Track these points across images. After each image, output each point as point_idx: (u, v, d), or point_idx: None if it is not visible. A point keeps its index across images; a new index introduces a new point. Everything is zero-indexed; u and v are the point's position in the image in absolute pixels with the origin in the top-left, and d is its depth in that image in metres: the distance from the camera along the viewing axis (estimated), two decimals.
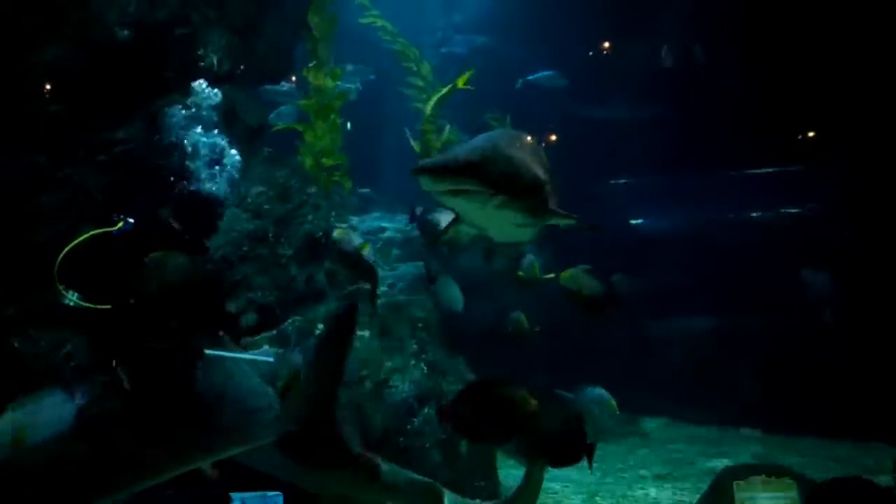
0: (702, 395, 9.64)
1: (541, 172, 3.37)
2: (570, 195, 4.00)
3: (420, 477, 5.11)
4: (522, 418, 3.61)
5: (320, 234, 7.16)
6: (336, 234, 5.91)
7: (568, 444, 3.94)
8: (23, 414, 4.15)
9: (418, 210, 6.53)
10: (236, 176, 5.63)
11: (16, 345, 5.37)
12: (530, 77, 11.37)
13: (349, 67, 10.49)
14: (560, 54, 12.00)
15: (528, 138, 3.71)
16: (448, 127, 8.99)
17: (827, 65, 10.04)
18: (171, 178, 5.57)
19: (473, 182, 3.02)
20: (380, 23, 9.97)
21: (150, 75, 6.53)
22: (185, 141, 5.47)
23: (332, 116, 8.42)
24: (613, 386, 6.53)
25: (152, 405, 4.43)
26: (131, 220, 4.30)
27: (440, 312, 7.50)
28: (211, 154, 5.44)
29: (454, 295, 7.06)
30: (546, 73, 11.32)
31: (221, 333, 4.74)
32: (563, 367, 8.11)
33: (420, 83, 10.21)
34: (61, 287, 4.04)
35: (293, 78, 9.59)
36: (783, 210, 11.35)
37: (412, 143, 8.75)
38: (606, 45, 12.38)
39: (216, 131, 5.63)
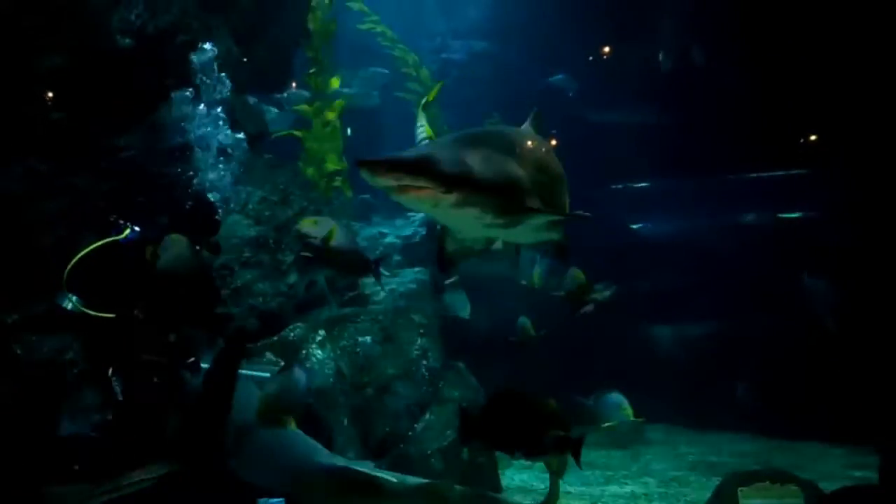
0: (704, 400, 9.63)
1: (515, 169, 3.17)
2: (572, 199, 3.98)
3: (426, 480, 5.12)
4: (551, 427, 3.59)
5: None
6: (302, 225, 5.20)
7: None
8: None
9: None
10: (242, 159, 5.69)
11: (18, 351, 5.39)
12: (549, 79, 11.44)
13: (369, 70, 10.55)
14: (558, 59, 12.03)
15: (517, 135, 3.55)
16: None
17: (829, 68, 10.05)
18: (174, 182, 5.61)
19: (420, 178, 2.85)
20: (379, 28, 10.02)
21: (151, 82, 6.54)
22: (191, 128, 5.51)
23: (333, 122, 8.43)
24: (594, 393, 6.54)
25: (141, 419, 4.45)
26: (137, 228, 4.29)
27: (442, 318, 7.51)
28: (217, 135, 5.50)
29: (461, 301, 7.05)
30: (559, 76, 11.42)
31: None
32: (565, 372, 8.10)
33: (419, 88, 10.25)
34: (69, 295, 4.02)
35: (293, 84, 9.62)
36: (785, 214, 11.36)
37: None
38: (606, 49, 12.40)
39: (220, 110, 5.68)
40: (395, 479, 4.84)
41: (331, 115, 8.30)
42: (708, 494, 5.06)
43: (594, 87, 11.91)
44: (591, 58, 12.55)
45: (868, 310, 9.07)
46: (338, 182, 8.48)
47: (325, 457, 5.13)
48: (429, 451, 6.05)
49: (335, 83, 8.69)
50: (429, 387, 6.53)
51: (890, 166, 9.55)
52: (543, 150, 3.62)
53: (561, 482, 5.91)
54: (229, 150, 5.78)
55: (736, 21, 10.72)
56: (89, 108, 6.13)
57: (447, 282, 7.29)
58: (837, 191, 10.38)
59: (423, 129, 5.37)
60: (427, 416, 6.32)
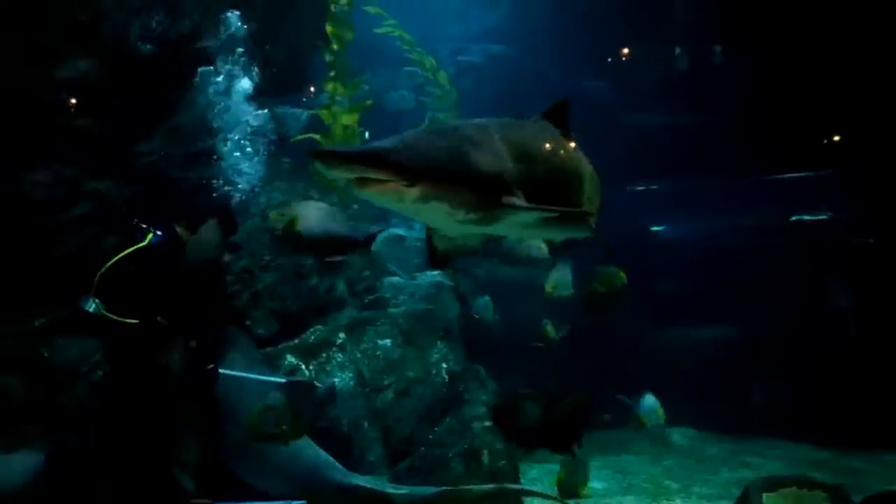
0: (726, 404, 9.53)
1: (490, 161, 2.96)
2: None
3: (439, 489, 5.11)
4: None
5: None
6: (271, 218, 5.01)
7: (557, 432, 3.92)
8: None
9: None
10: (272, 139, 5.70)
11: (45, 353, 5.47)
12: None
13: (404, 69, 10.56)
14: (576, 62, 11.99)
15: (509, 127, 3.31)
16: None
17: (851, 68, 9.93)
18: (195, 185, 5.64)
19: (379, 170, 2.70)
20: (397, 32, 10.03)
21: (172, 88, 6.61)
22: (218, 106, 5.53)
23: (351, 126, 8.45)
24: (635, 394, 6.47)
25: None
26: (160, 233, 4.31)
27: (462, 321, 7.48)
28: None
29: (485, 303, 7.01)
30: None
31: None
32: (585, 375, 8.04)
33: (437, 91, 10.26)
34: (95, 300, 4.04)
35: (311, 88, 9.66)
36: (809, 215, 11.22)
37: None
38: (625, 50, 12.33)
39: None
40: (406, 491, 4.85)
41: (350, 120, 8.33)
42: (730, 500, 5.00)
43: (612, 88, 11.85)
44: (609, 59, 12.49)
45: (891, 312, 8.95)
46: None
47: (335, 471, 5.15)
48: (449, 455, 6.03)
49: (352, 88, 8.71)
50: (449, 390, 6.52)
51: None
52: (544, 141, 3.40)
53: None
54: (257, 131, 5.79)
55: (757, 20, 10.62)
56: (112, 113, 6.20)
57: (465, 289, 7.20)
58: (860, 192, 10.24)
59: None
60: (447, 419, 6.31)
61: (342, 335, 6.26)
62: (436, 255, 3.66)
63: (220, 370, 4.84)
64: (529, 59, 12.74)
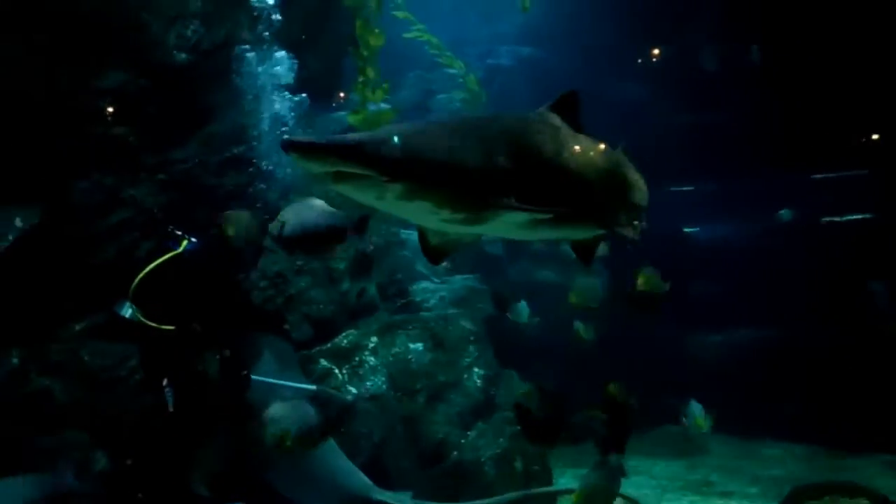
0: (763, 408, 9.34)
1: (479, 157, 2.78)
2: None
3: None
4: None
5: (371, 248, 7.22)
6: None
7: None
8: None
9: None
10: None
11: (85, 358, 5.59)
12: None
13: (452, 70, 10.60)
14: (606, 62, 11.89)
15: (507, 121, 3.15)
16: None
17: (890, 66, 9.69)
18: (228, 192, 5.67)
19: (355, 164, 2.52)
20: (425, 37, 10.07)
21: (205, 96, 6.72)
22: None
23: None
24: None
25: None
26: (194, 240, 4.34)
27: (492, 325, 7.47)
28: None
29: (521, 308, 6.94)
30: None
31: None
32: (617, 378, 7.95)
33: (466, 95, 10.28)
34: (132, 306, 4.10)
35: (341, 94, 9.74)
36: (845, 216, 10.96)
37: None
38: (656, 51, 12.21)
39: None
40: None
41: (381, 124, 8.36)
42: None
43: (643, 87, 11.73)
44: (639, 60, 12.37)
45: None
46: None
47: (362, 485, 5.14)
48: (482, 459, 6.01)
49: (382, 94, 8.76)
50: (481, 394, 6.50)
51: None
52: (545, 136, 3.17)
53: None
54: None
55: (796, 17, 10.42)
56: (148, 121, 6.32)
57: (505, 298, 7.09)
58: None
59: None
60: (479, 423, 6.29)
61: (374, 339, 6.29)
62: (429, 250, 3.42)
63: (253, 377, 4.87)
64: (558, 60, 12.68)
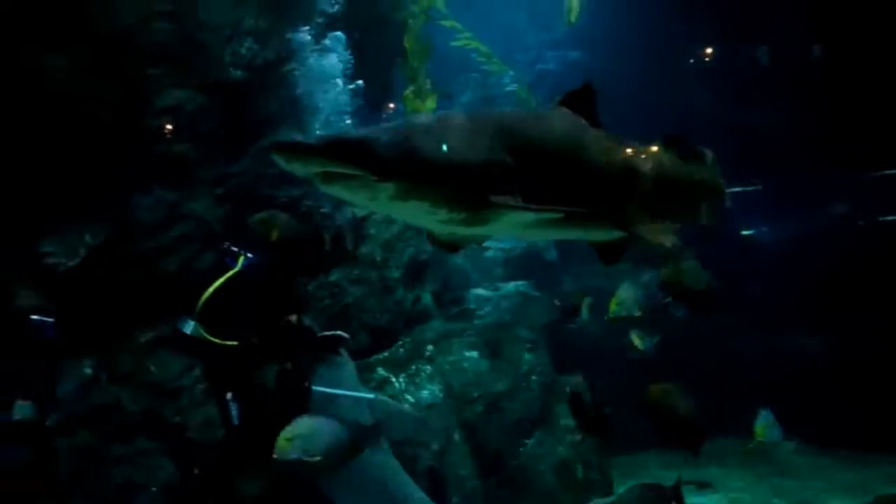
0: (832, 416, 8.95)
1: (479, 156, 2.63)
2: None
3: None
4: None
5: (424, 256, 7.25)
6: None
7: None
8: None
9: None
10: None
11: (151, 368, 5.75)
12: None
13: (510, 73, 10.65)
14: (657, 65, 11.71)
15: (511, 117, 3.01)
16: None
17: None
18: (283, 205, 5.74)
19: (342, 164, 2.40)
20: (473, 45, 10.09)
21: (259, 110, 6.87)
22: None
23: None
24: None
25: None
26: (250, 255, 4.37)
27: (548, 332, 7.38)
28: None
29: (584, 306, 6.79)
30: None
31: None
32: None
33: (515, 101, 10.25)
34: (197, 323, 4.14)
35: (391, 105, 9.83)
36: None
37: None
38: (709, 50, 11.94)
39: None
40: None
41: None
42: None
43: (697, 88, 11.48)
44: (691, 60, 12.12)
45: None
46: None
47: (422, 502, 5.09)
48: (542, 468, 5.94)
49: (433, 103, 8.80)
50: (538, 402, 6.43)
51: None
52: (555, 132, 3.00)
53: None
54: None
55: (858, 13, 10.05)
56: (206, 137, 6.49)
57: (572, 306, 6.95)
58: None
59: None
60: (538, 432, 6.22)
61: (430, 347, 6.30)
62: (439, 244, 3.27)
63: (313, 387, 4.90)
64: (608, 64, 12.52)
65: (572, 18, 8.86)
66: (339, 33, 6.49)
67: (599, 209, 2.97)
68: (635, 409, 4.22)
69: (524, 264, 8.63)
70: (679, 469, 5.95)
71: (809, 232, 11.00)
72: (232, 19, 6.65)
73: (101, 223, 5.94)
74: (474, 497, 5.61)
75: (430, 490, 5.22)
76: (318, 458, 3.88)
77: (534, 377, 6.55)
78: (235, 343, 4.09)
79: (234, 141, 6.75)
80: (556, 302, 5.73)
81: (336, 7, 7.35)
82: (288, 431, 3.93)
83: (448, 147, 2.58)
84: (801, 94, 10.75)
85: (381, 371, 5.98)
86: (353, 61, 6.80)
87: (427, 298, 7.10)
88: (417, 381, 6.02)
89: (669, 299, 5.32)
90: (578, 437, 6.11)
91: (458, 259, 8.09)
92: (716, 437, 8.34)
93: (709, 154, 3.77)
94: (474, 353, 6.41)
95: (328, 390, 5.08)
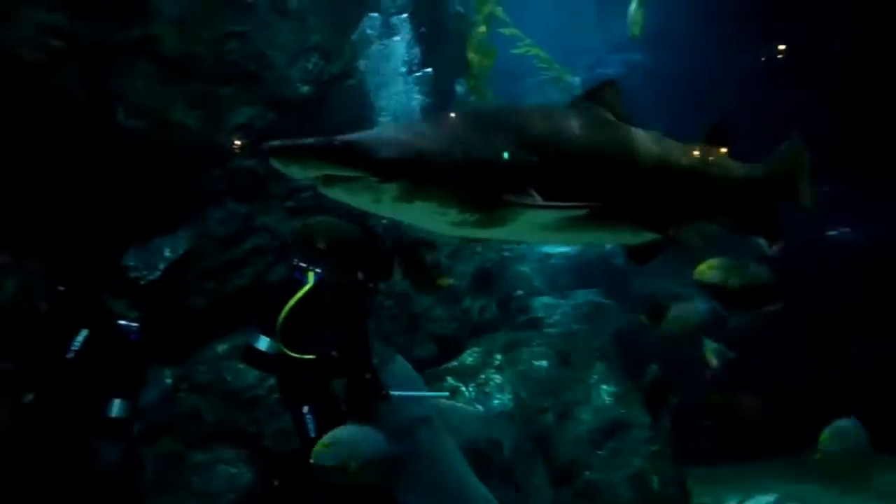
0: None
1: (490, 152, 2.49)
2: None
3: None
4: None
5: (490, 265, 7.22)
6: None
7: None
8: None
9: None
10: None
11: (227, 378, 5.92)
12: None
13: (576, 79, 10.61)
14: (724, 63, 11.37)
15: (532, 112, 2.84)
16: None
17: None
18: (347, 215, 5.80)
19: (341, 166, 2.30)
20: (534, 51, 10.04)
21: (327, 123, 7.00)
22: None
23: None
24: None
25: None
26: (318, 270, 4.39)
27: (618, 340, 7.23)
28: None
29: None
30: None
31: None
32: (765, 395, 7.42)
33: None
34: (276, 339, 4.18)
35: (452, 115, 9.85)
36: None
37: None
38: (782, 47, 11.53)
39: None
40: None
41: None
42: None
43: (767, 88, 11.07)
44: (763, 59, 11.73)
45: None
46: None
47: None
48: (616, 479, 5.79)
49: None
50: (610, 412, 6.28)
51: None
52: (578, 127, 2.81)
53: None
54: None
55: None
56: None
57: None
58: None
59: None
60: (611, 442, 6.08)
61: (499, 357, 6.26)
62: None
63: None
64: (671, 65, 12.26)
65: (636, 31, 8.70)
66: (405, 15, 6.54)
67: (626, 208, 2.83)
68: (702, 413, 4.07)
69: (592, 271, 8.49)
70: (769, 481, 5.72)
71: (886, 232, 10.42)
72: (298, 37, 6.82)
73: (177, 237, 6.17)
74: None
75: (500, 495, 5.17)
76: (354, 468, 3.77)
77: (605, 386, 6.40)
78: (313, 357, 4.12)
79: None
80: (642, 319, 5.50)
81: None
82: (328, 437, 3.87)
83: (452, 143, 2.46)
84: (876, 93, 10.25)
85: (450, 380, 5.98)
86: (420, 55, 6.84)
87: (494, 307, 7.06)
88: (487, 390, 5.99)
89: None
90: (653, 448, 5.94)
91: (524, 267, 8.03)
92: (803, 449, 8.00)
93: (792, 151, 3.52)
94: (544, 363, 6.33)
95: (406, 393, 5.10)
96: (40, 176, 5.55)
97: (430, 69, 5.88)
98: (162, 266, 5.95)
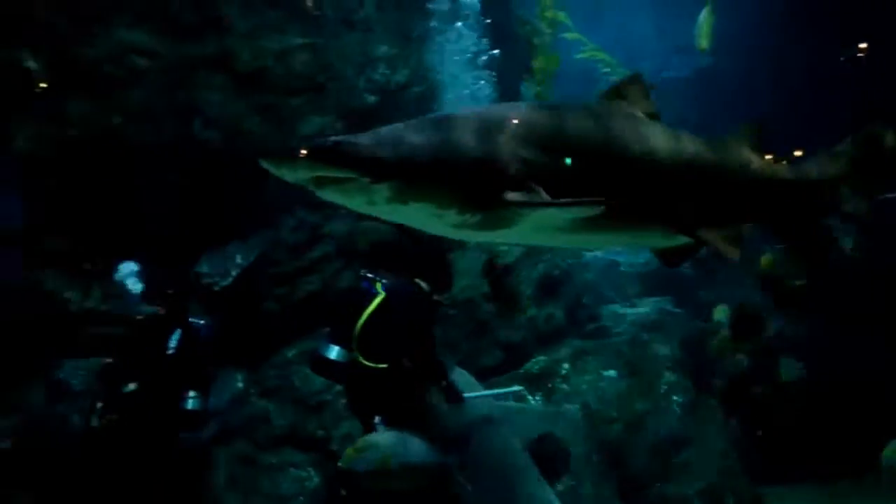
0: None
1: (489, 150, 2.39)
2: None
3: None
4: None
5: (557, 272, 7.14)
6: None
7: None
8: None
9: None
10: None
11: (296, 383, 6.03)
12: None
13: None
14: (793, 67, 10.98)
15: (543, 110, 2.70)
16: None
17: None
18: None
19: (332, 167, 2.24)
20: (599, 55, 9.89)
21: None
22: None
23: None
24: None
25: None
26: (384, 281, 4.40)
27: (687, 350, 7.02)
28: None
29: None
30: None
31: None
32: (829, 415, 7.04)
33: None
34: (353, 348, 4.20)
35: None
36: None
37: None
38: (863, 45, 11.05)
39: None
40: None
41: None
42: None
43: (831, 93, 10.62)
44: (842, 58, 11.26)
45: None
46: None
47: None
48: (689, 493, 5.61)
49: None
50: (681, 423, 6.10)
51: None
52: (599, 126, 2.68)
53: None
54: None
55: None
56: None
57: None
58: None
59: None
60: (683, 454, 5.89)
61: (566, 365, 6.17)
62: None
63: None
64: (738, 68, 11.91)
65: (704, 44, 8.50)
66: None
67: (646, 207, 2.69)
68: None
69: (659, 279, 8.28)
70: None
71: None
72: (364, 48, 6.94)
73: (249, 244, 6.34)
74: None
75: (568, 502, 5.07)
76: (389, 474, 3.68)
77: (675, 397, 6.22)
78: (386, 365, 4.12)
79: None
80: (722, 330, 5.34)
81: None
82: (361, 442, 3.81)
83: (451, 142, 2.37)
84: None
85: (516, 388, 5.91)
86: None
87: (560, 315, 6.97)
88: (554, 398, 5.91)
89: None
90: (728, 462, 5.73)
91: (590, 275, 7.90)
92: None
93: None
94: (612, 372, 6.20)
95: (479, 393, 5.07)
96: (123, 187, 5.81)
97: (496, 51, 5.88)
98: (234, 272, 6.12)
